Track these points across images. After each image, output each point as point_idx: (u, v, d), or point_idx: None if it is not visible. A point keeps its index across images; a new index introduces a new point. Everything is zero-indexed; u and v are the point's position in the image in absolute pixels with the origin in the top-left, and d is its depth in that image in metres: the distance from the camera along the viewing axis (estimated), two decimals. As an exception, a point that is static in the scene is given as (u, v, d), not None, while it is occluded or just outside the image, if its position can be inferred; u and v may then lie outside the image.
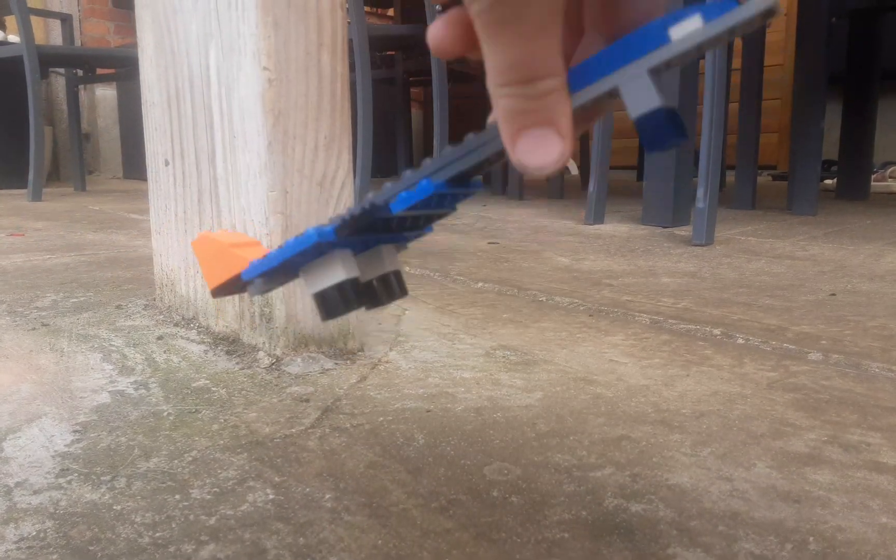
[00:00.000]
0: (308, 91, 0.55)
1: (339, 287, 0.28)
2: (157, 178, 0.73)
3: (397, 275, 0.31)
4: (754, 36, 1.90)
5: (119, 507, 0.35)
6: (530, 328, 0.70)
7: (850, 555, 0.31)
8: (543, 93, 0.21)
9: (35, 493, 0.37)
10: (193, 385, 0.53)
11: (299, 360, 0.57)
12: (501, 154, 0.24)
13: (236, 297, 0.62)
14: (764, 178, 2.92)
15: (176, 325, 0.70)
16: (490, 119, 0.23)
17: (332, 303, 0.29)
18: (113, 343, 0.65)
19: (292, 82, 0.54)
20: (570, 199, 2.25)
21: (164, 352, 0.62)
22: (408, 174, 0.26)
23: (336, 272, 0.28)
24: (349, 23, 1.87)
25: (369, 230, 0.28)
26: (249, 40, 0.54)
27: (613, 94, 0.21)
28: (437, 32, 0.23)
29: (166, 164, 0.70)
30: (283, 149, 0.55)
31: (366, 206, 0.27)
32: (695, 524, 0.33)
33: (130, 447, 0.42)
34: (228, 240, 0.31)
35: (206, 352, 0.61)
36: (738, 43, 2.29)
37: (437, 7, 0.24)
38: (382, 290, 0.30)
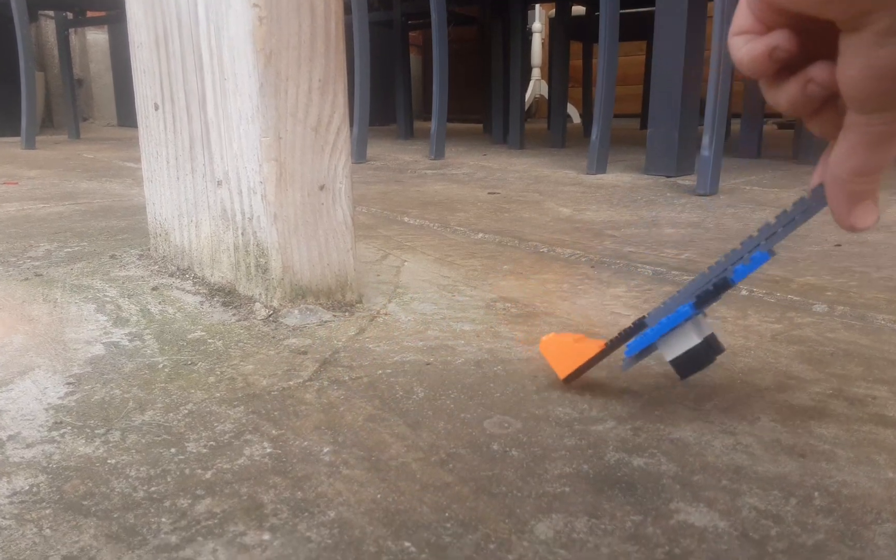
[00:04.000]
0: (301, 30, 0.53)
1: (696, 349, 0.37)
2: (148, 124, 0.70)
3: (714, 335, 0.38)
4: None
5: (113, 461, 0.35)
6: (531, 280, 0.69)
7: (855, 510, 0.30)
8: (879, 179, 0.28)
9: (28, 446, 0.36)
10: (189, 337, 0.53)
11: (296, 311, 0.56)
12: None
13: (231, 245, 0.60)
14: (770, 127, 2.86)
15: (171, 275, 0.69)
16: (814, 184, 0.31)
17: (691, 363, 0.37)
18: (107, 294, 0.64)
19: (284, 20, 0.52)
20: (572, 148, 2.22)
21: (159, 303, 0.61)
22: (746, 242, 0.35)
23: (691, 337, 0.37)
24: (345, -38, 1.80)
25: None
26: (239, -24, 0.51)
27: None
28: (760, 52, 0.27)
29: (156, 108, 0.68)
30: (276, 91, 0.52)
31: (719, 282, 0.35)
32: (698, 478, 0.33)
33: (125, 400, 0.42)
34: (571, 338, 0.42)
35: (201, 303, 0.60)
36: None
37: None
38: (710, 348, 0.37)
